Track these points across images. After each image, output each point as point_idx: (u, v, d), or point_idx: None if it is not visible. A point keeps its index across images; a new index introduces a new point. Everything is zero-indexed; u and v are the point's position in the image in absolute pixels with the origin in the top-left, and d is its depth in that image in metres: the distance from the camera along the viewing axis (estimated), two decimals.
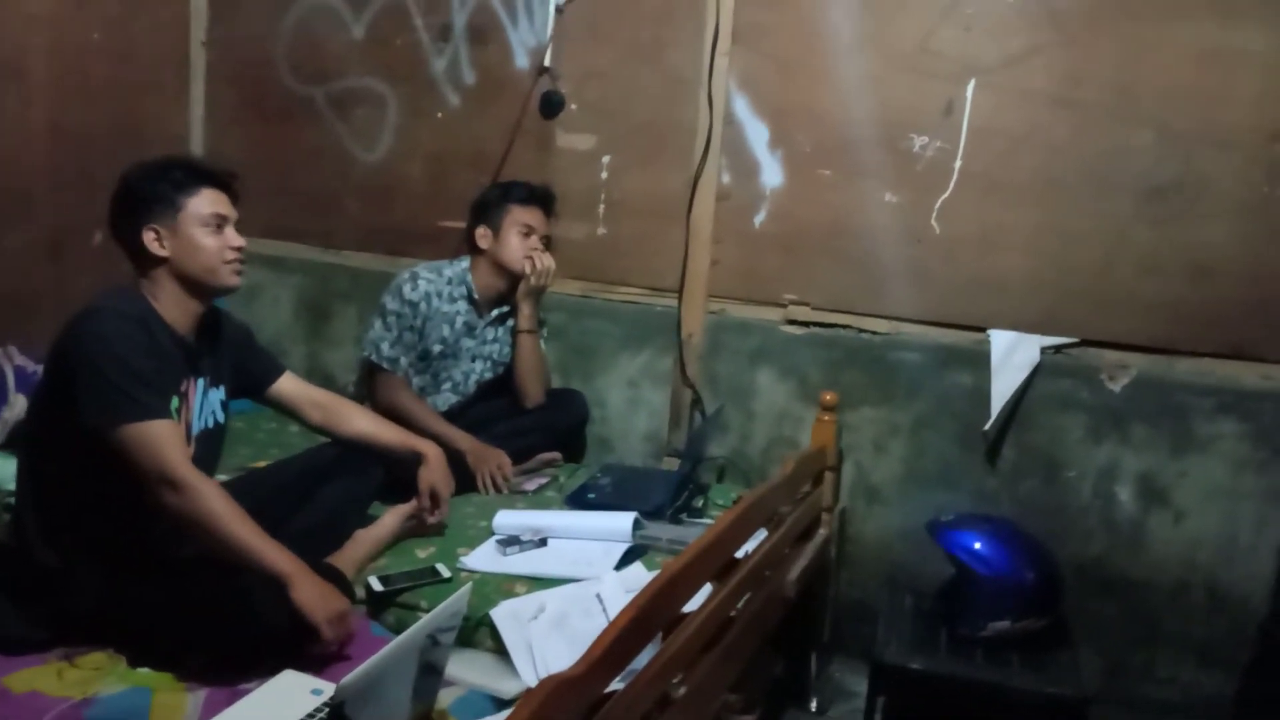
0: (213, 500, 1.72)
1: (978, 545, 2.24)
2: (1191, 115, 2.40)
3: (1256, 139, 2.36)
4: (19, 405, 2.47)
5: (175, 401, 1.82)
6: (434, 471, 2.19)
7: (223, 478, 2.13)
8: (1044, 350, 2.56)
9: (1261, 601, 2.42)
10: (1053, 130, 2.51)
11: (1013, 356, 2.57)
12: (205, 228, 1.86)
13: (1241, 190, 2.39)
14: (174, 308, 1.86)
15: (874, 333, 2.72)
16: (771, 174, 2.76)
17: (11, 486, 1.89)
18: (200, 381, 1.91)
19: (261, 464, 2.40)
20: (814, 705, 2.58)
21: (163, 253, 1.84)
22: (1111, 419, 2.54)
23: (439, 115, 3.08)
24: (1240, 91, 2.36)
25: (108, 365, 1.71)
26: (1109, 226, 2.49)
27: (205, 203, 1.86)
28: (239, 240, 1.90)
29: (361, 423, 2.20)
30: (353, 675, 1.23)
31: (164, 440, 1.72)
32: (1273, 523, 2.42)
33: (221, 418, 1.99)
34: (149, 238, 1.84)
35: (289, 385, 2.15)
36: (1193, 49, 2.39)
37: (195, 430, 1.90)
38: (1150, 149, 2.44)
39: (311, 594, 1.70)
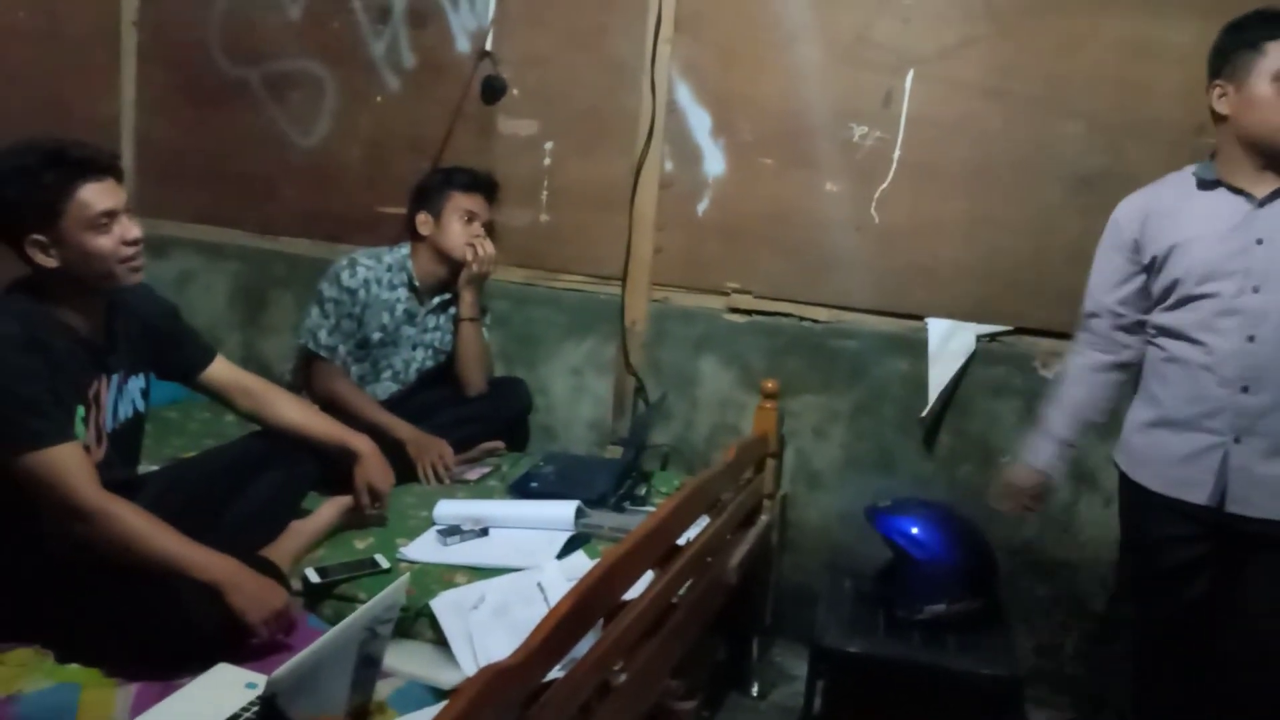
0: (125, 521, 1.65)
1: (914, 530, 2.27)
2: (1119, 107, 2.45)
3: (1181, 131, 2.40)
4: None
5: (81, 411, 1.73)
6: (370, 469, 2.14)
7: (152, 468, 2.09)
8: (979, 338, 2.60)
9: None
10: (986, 120, 2.54)
11: (949, 344, 2.61)
12: (93, 230, 1.68)
13: None
14: (73, 309, 1.74)
15: (815, 321, 2.74)
16: (714, 162, 2.77)
17: None
18: (114, 378, 1.82)
19: (192, 455, 2.35)
20: (755, 689, 2.60)
21: (51, 263, 1.69)
22: (1044, 404, 2.57)
23: (378, 99, 3.04)
24: (1166, 84, 2.41)
25: None
26: (1040, 216, 2.53)
27: (89, 200, 1.68)
28: (134, 232, 1.73)
29: (291, 413, 2.13)
30: (284, 668, 1.22)
31: (63, 468, 1.62)
32: None
33: (141, 406, 1.92)
34: (33, 251, 1.68)
35: (220, 370, 2.09)
36: (1120, 42, 2.43)
37: (110, 428, 1.82)
38: (1079, 139, 2.49)
39: (246, 597, 1.66)
